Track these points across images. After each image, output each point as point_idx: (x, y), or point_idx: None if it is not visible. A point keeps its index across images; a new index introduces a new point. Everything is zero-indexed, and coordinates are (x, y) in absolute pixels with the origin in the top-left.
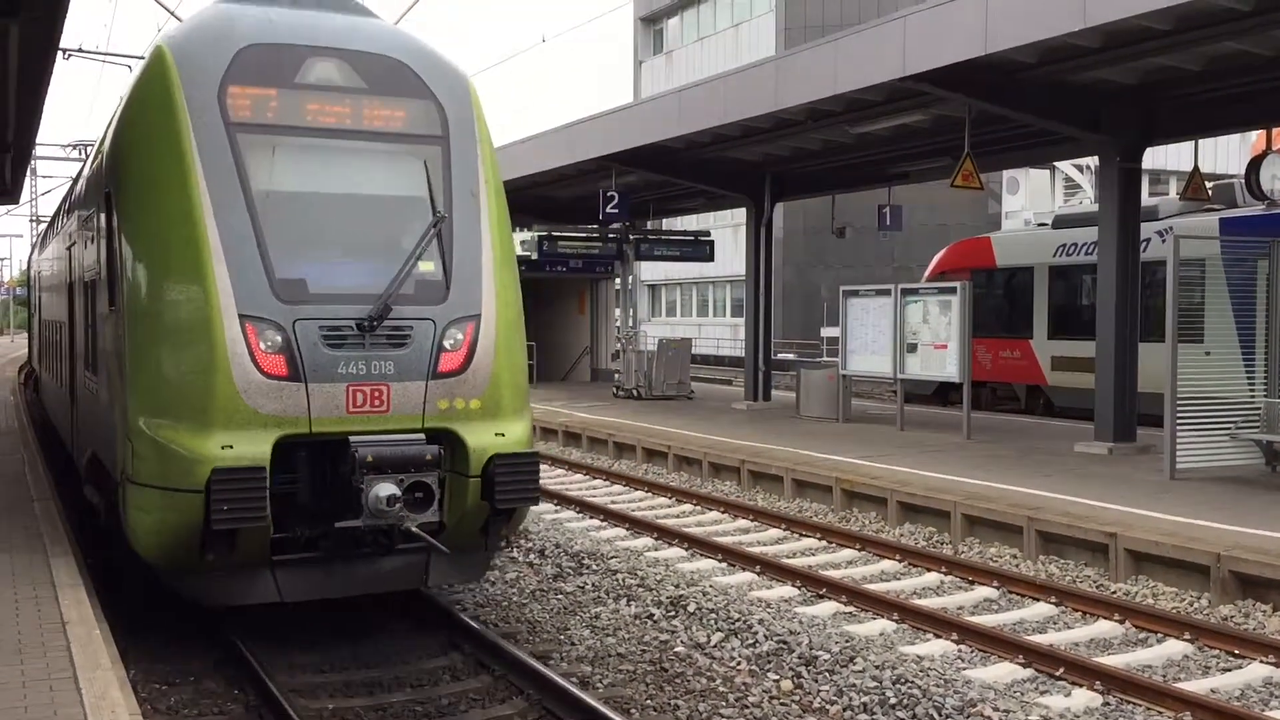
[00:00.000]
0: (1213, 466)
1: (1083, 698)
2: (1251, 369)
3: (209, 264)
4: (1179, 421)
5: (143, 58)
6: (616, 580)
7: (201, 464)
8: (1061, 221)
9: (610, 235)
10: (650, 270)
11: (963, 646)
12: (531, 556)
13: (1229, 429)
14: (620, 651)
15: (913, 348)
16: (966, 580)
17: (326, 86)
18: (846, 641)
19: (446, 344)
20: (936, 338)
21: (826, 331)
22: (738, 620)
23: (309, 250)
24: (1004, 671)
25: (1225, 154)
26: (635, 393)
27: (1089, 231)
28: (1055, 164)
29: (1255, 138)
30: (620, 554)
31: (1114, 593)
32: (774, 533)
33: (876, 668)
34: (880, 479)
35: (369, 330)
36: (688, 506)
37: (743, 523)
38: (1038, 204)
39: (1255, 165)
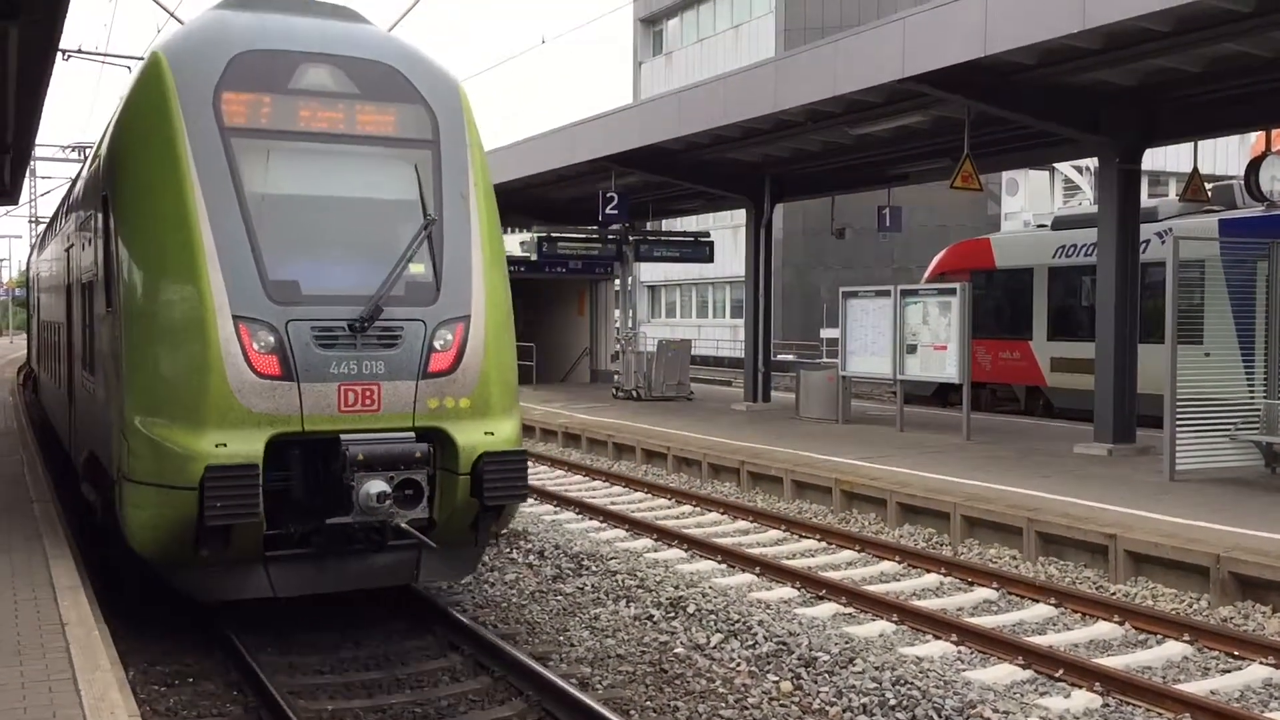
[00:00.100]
0: (1212, 468)
1: (1082, 699)
2: (1251, 370)
3: (203, 266)
4: (1178, 423)
5: (141, 59)
6: (616, 581)
7: (196, 461)
8: (1061, 223)
9: (610, 236)
10: (650, 271)
11: (962, 648)
12: (531, 558)
13: (1228, 430)
14: (620, 653)
15: (912, 349)
16: (966, 581)
17: (319, 92)
18: (846, 643)
19: (436, 344)
20: (936, 339)
21: (826, 333)
22: (737, 621)
23: (301, 252)
24: (1004, 673)
25: (1224, 155)
26: (635, 394)
27: (1088, 233)
28: (1055, 165)
29: (1254, 139)
30: (620, 555)
31: (1113, 594)
32: (773, 534)
33: (876, 669)
34: (880, 480)
35: (360, 331)
36: (687, 508)
37: (742, 524)
38: (1037, 205)
39: (1254, 167)
